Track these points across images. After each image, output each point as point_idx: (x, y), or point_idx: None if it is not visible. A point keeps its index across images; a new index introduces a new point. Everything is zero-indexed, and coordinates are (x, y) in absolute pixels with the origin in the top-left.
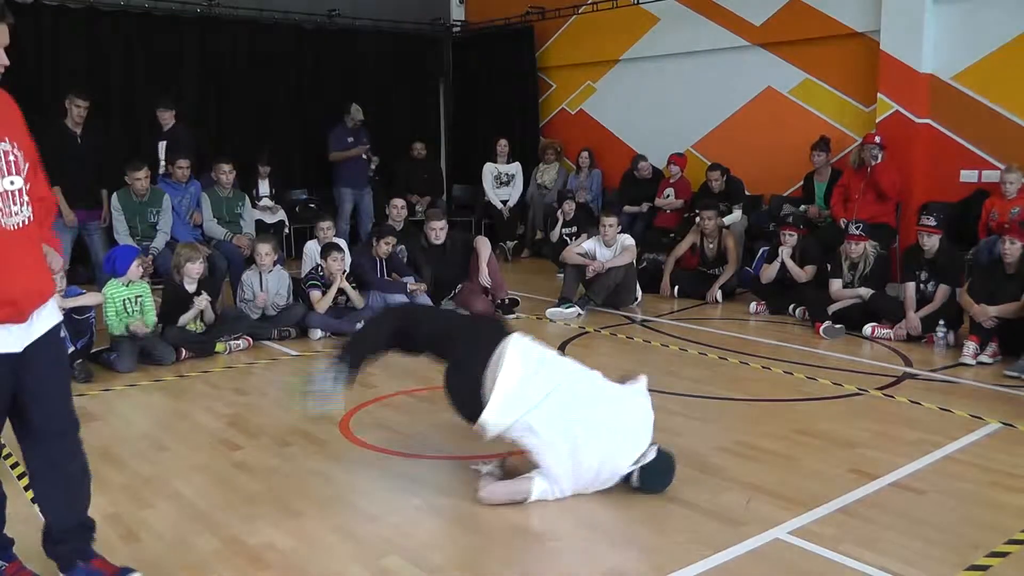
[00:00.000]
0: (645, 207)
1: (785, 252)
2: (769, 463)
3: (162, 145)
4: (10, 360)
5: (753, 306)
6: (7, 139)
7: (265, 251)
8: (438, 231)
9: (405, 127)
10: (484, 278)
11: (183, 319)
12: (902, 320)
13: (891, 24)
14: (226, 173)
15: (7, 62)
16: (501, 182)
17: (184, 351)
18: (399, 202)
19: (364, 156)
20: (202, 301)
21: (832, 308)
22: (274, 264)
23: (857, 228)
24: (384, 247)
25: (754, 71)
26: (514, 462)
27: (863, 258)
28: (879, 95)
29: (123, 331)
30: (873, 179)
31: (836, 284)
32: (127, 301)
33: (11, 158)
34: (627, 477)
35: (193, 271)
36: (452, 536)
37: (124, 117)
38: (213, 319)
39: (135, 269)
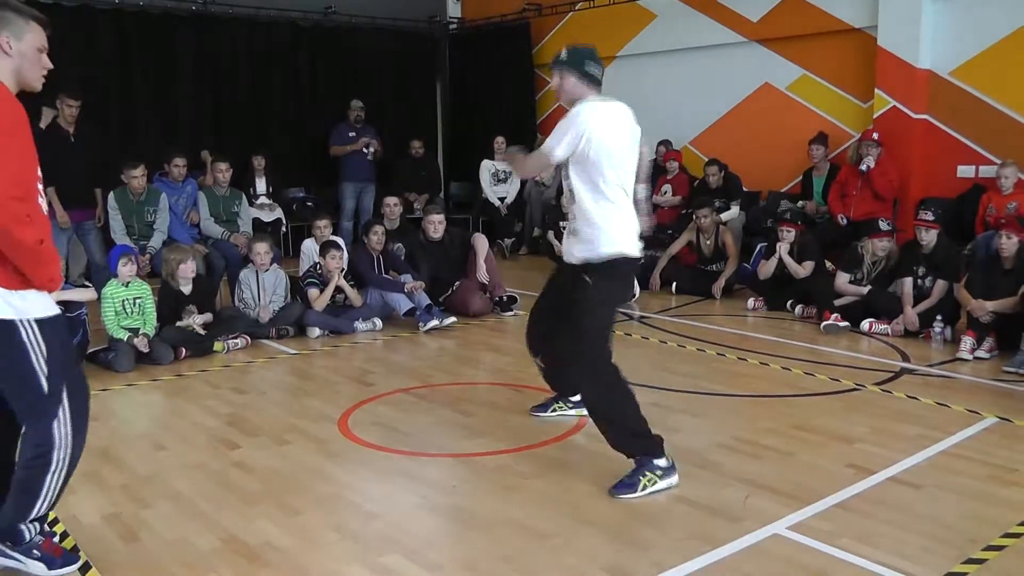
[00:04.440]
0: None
1: (783, 248)
2: (767, 459)
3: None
4: None
5: (751, 302)
6: None
7: (263, 250)
8: (436, 224)
9: (402, 125)
10: (482, 275)
11: (179, 325)
12: (900, 316)
13: (888, 20)
14: (223, 172)
15: (50, 65)
16: (499, 179)
17: (182, 350)
18: (392, 200)
19: (364, 149)
20: (194, 318)
21: (835, 303)
22: (271, 263)
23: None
24: (374, 238)
25: (751, 67)
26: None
27: (889, 254)
28: (876, 91)
29: (121, 333)
30: (869, 179)
31: (843, 278)
32: (126, 302)
33: None
34: None
35: (187, 271)
36: (452, 533)
37: (119, 116)
38: (211, 319)
39: (123, 268)
